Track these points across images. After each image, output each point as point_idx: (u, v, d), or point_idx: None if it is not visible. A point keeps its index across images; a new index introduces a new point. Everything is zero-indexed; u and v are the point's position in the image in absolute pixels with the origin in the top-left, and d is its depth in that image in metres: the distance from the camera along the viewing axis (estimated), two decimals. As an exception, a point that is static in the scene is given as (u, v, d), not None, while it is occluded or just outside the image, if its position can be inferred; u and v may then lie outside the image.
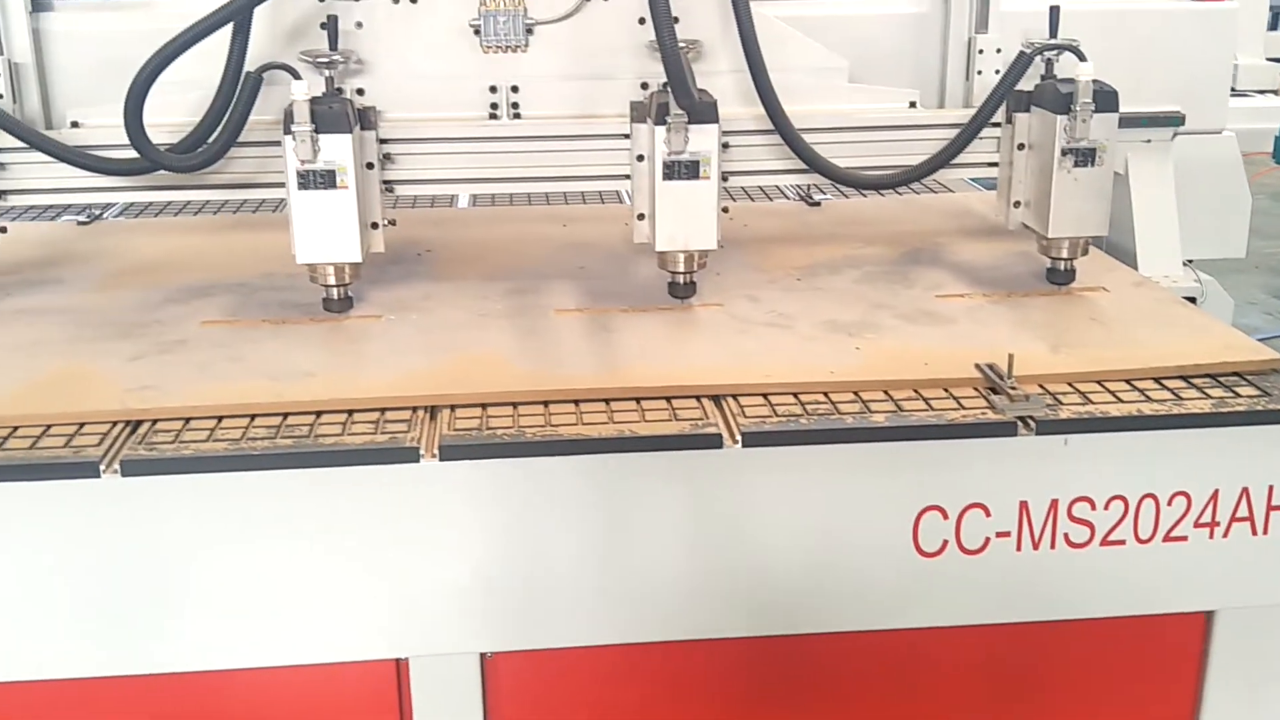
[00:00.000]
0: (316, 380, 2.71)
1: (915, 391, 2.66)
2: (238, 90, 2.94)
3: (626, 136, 3.18)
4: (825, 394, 2.65)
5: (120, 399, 2.60)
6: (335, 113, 2.87)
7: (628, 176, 3.23)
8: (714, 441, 2.48)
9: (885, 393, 2.66)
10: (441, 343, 2.94)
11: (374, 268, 3.48)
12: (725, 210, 3.10)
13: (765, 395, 2.65)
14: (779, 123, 3.19)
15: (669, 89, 2.91)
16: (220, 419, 2.55)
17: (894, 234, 3.83)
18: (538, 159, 3.24)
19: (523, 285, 3.36)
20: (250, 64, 2.95)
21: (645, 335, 3.00)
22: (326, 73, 2.98)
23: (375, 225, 3.11)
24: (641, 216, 3.14)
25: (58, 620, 2.45)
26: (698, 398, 2.64)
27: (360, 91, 3.17)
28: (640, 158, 3.11)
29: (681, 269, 3.12)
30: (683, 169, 2.96)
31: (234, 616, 2.48)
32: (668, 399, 2.63)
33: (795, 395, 2.64)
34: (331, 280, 3.05)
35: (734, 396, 2.64)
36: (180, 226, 4.01)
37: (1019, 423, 2.55)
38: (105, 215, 4.13)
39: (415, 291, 3.32)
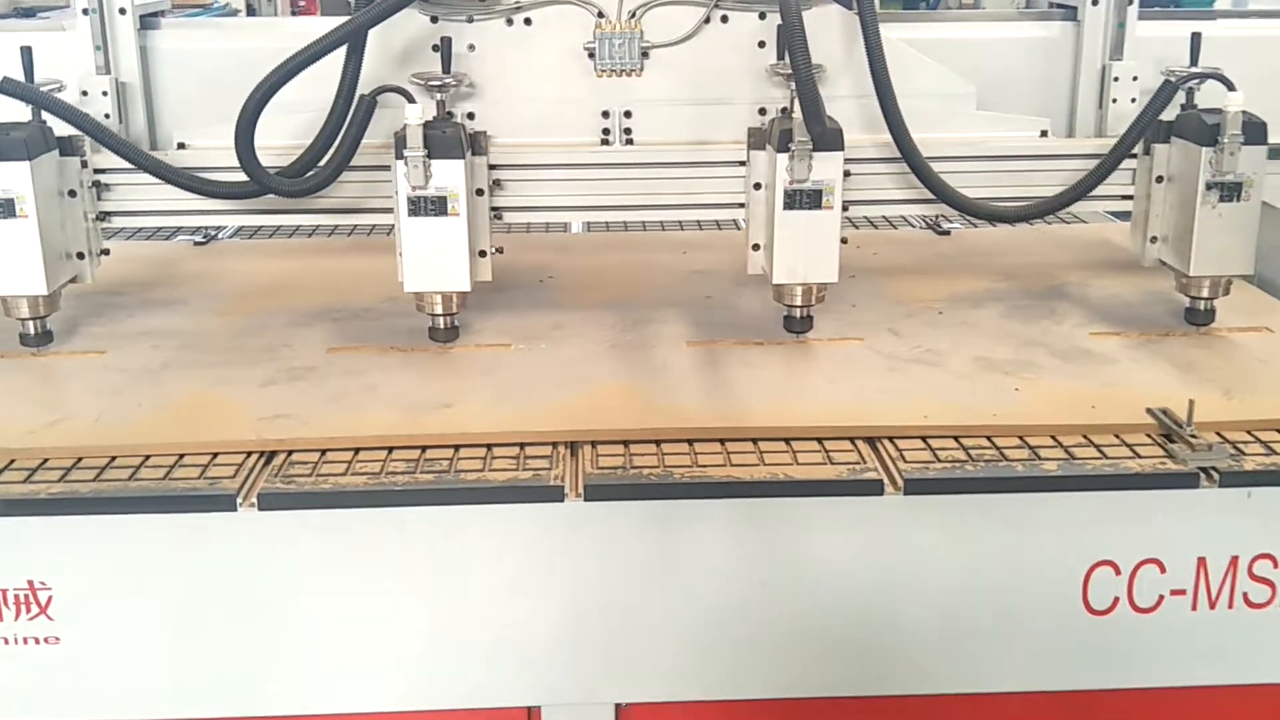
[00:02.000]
0: (454, 412, 2.61)
1: (1085, 438, 2.50)
2: (350, 113, 2.86)
3: (743, 164, 3.06)
4: (989, 438, 2.50)
5: (255, 428, 2.52)
6: (449, 138, 2.78)
7: (743, 205, 3.11)
8: (874, 488, 2.34)
9: (1053, 438, 2.50)
10: (575, 374, 2.83)
11: (498, 293, 3.40)
12: (844, 240, 2.97)
13: (924, 438, 2.50)
14: (906, 150, 3.04)
15: (792, 114, 2.79)
16: (358, 450, 2.46)
17: (1032, 266, 3.66)
18: (650, 186, 3.13)
19: (649, 315, 3.25)
20: (360, 87, 2.87)
21: (787, 371, 2.87)
22: (438, 96, 2.89)
23: (484, 253, 3.02)
24: (757, 247, 3.01)
25: (191, 657, 2.37)
26: (852, 439, 2.50)
27: (471, 115, 3.08)
28: (758, 186, 2.98)
29: (799, 302, 2.99)
30: (805, 198, 2.84)
31: (366, 657, 2.39)
32: (819, 440, 2.49)
33: (957, 439, 2.50)
34: (439, 309, 2.96)
35: (891, 439, 2.50)
36: (296, 249, 3.95)
37: (1201, 474, 2.38)
38: (220, 236, 4.10)
39: (542, 320, 3.22)
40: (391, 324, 3.13)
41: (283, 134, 2.94)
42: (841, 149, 2.83)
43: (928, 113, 3.13)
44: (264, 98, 2.70)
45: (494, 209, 3.05)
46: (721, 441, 2.49)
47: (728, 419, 2.57)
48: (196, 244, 3.97)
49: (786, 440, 2.49)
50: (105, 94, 3.06)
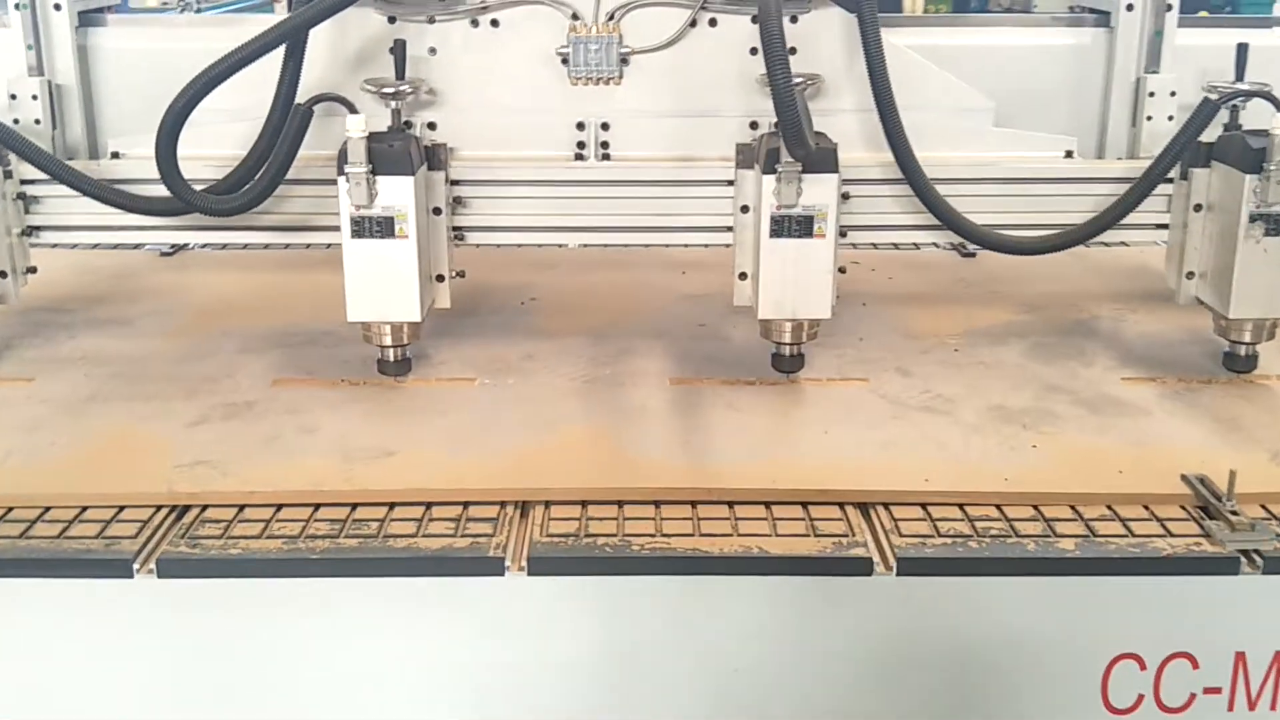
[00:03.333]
0: (395, 462, 2.33)
1: (1109, 509, 2.18)
2: (286, 124, 2.57)
3: (731, 183, 2.74)
4: (998, 506, 2.19)
5: (168, 478, 2.25)
6: (395, 152, 2.49)
7: (730, 228, 2.81)
8: (862, 567, 2.03)
9: (1072, 508, 2.18)
10: (540, 417, 2.54)
11: (472, 318, 3.12)
12: (842, 270, 2.65)
13: (924, 505, 2.19)
14: (909, 171, 2.72)
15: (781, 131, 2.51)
16: (280, 507, 2.18)
17: (1061, 296, 3.33)
18: (629, 206, 2.83)
19: (635, 345, 2.95)
20: (308, 92, 2.58)
21: (777, 417, 2.56)
22: (393, 104, 2.61)
23: (441, 278, 2.73)
24: (744, 276, 2.71)
25: (82, 738, 2.10)
26: (841, 505, 2.19)
27: (431, 126, 2.80)
28: (745, 208, 2.67)
29: (788, 339, 2.68)
30: (794, 225, 2.53)
31: (284, 740, 2.11)
32: (804, 505, 2.19)
33: (961, 507, 2.18)
34: (387, 340, 2.68)
35: (886, 505, 2.19)
36: (270, 261, 3.66)
37: (1242, 558, 2.06)
38: (191, 246, 3.83)
39: (515, 349, 2.93)
40: (348, 352, 2.85)
41: (229, 143, 2.67)
42: (836, 171, 2.52)
43: (938, 129, 2.81)
44: (187, 106, 2.42)
45: (455, 229, 2.76)
46: (693, 504, 2.19)
47: (702, 476, 2.27)
48: (163, 254, 3.70)
49: (766, 504, 2.19)
50: (35, 98, 2.80)
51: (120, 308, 3.24)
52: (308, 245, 3.33)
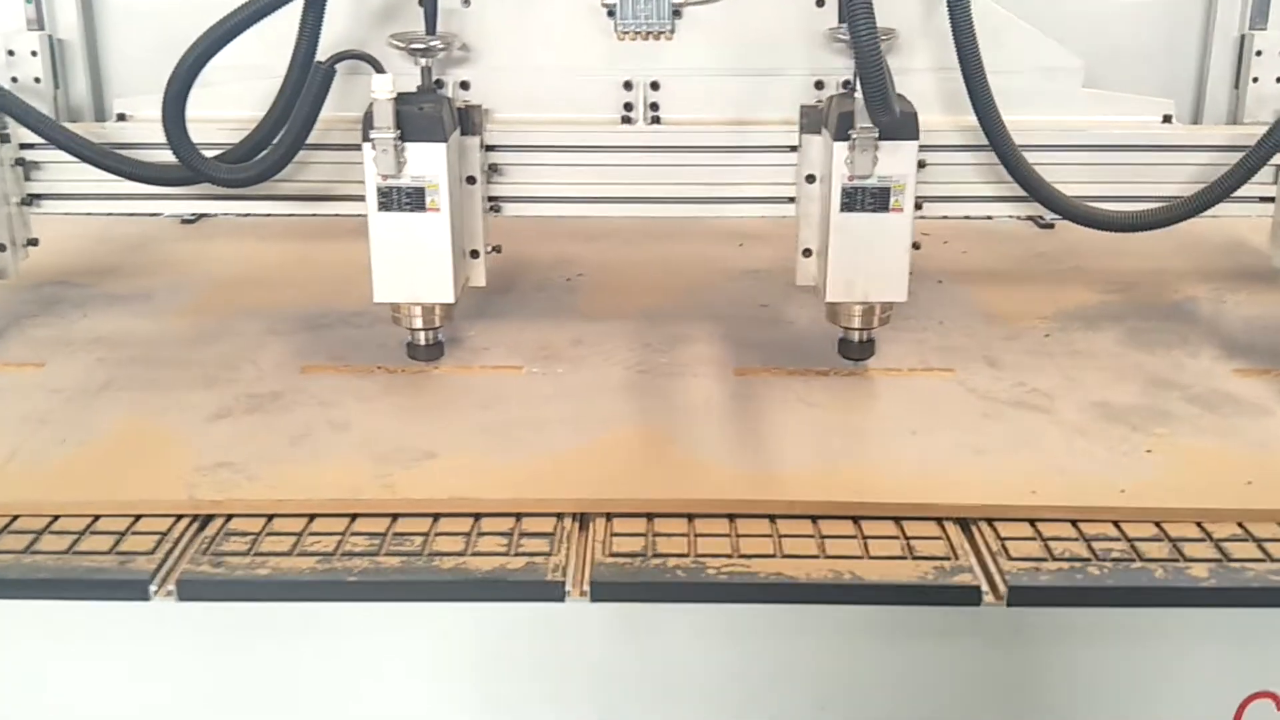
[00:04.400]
0: (438, 465, 2.10)
1: (1241, 527, 1.93)
2: (306, 84, 2.33)
3: (794, 149, 2.50)
4: (1115, 523, 1.94)
5: (188, 484, 2.03)
6: (427, 115, 2.25)
7: (793, 200, 2.56)
8: (969, 596, 1.79)
9: (1199, 525, 1.94)
10: (594, 412, 2.30)
11: (513, 296, 2.89)
12: (916, 246, 2.41)
13: (1032, 522, 1.95)
14: (995, 137, 2.48)
15: (856, 92, 2.25)
16: (312, 517, 1.96)
17: (1150, 274, 3.06)
18: (681, 174, 2.60)
19: (692, 329, 2.71)
20: (330, 49, 2.34)
21: (858, 414, 2.32)
22: (422, 62, 2.37)
23: (475, 254, 2.50)
24: (809, 252, 2.47)
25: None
26: (939, 520, 1.95)
27: (464, 85, 2.56)
28: (811, 178, 2.43)
29: (857, 324, 2.44)
30: (868, 198, 2.29)
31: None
32: (897, 520, 1.95)
33: (1074, 524, 1.94)
34: (418, 323, 2.45)
35: (990, 521, 1.95)
36: (299, 229, 3.39)
37: (1400, 585, 1.81)
38: (215, 212, 3.60)
39: (562, 332, 2.69)
40: (381, 334, 2.61)
41: (245, 104, 2.43)
42: (916, 138, 2.27)
43: (1024, 91, 2.57)
44: (196, 64, 2.19)
45: (490, 199, 2.53)
46: (771, 519, 1.95)
47: (779, 486, 2.03)
48: (184, 221, 3.47)
49: (855, 520, 1.95)
50: (35, 54, 2.56)
51: (138, 281, 3.02)
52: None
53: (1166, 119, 2.74)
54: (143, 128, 2.45)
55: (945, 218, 3.27)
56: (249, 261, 3.19)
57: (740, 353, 2.58)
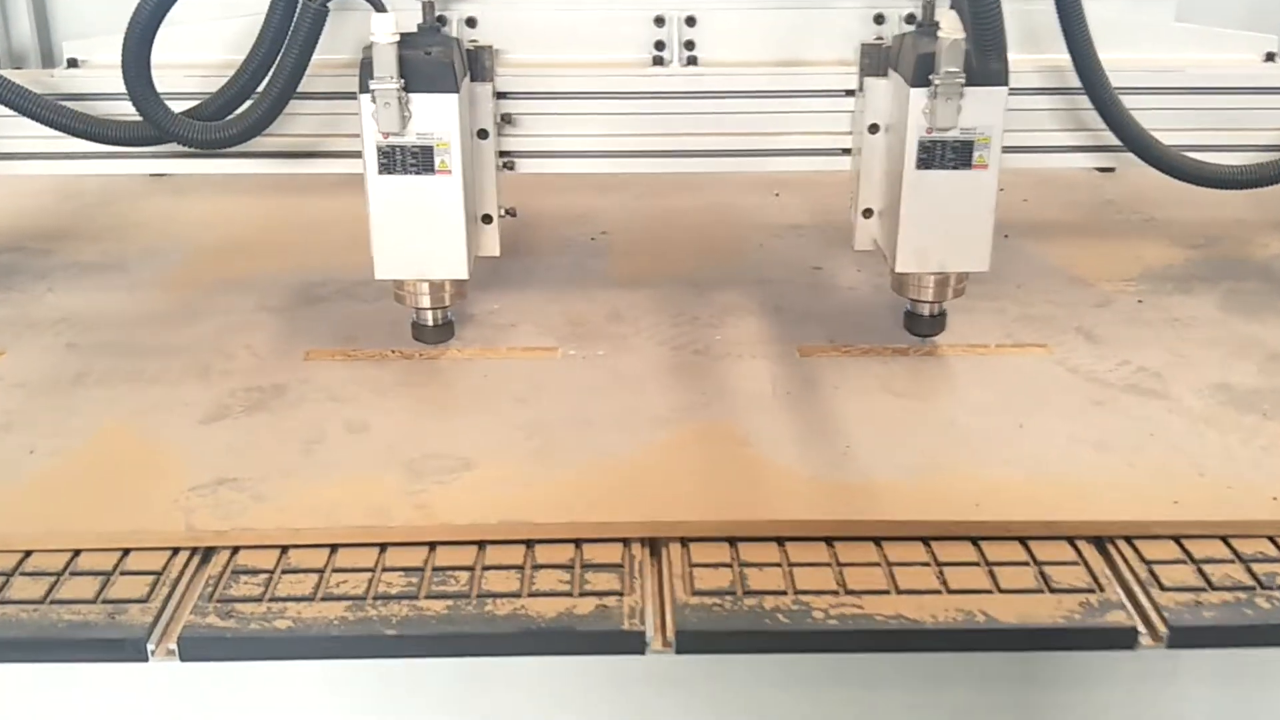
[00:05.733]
0: (477, 478, 1.79)
1: None
2: (293, 26, 1.98)
3: (851, 94, 2.22)
4: (1273, 539, 1.67)
5: (185, 507, 1.71)
6: (435, 62, 1.92)
7: (848, 152, 2.26)
8: (1125, 639, 1.51)
9: (1373, 540, 1.67)
10: (648, 405, 2.00)
11: (534, 260, 2.58)
12: None
13: (1178, 540, 1.67)
14: (1090, 80, 2.18)
15: (927, 24, 1.95)
16: (335, 548, 1.65)
17: (1229, 227, 2.80)
18: (720, 123, 2.27)
19: (741, 298, 2.41)
20: None
21: (953, 403, 2.03)
22: None
23: (488, 218, 2.18)
24: (870, 213, 2.17)
25: None
26: (1072, 540, 1.67)
27: (470, 23, 2.22)
28: (874, 128, 2.14)
29: (929, 297, 2.16)
30: (949, 153, 2.00)
31: None
32: (1023, 541, 1.66)
33: (1225, 541, 1.67)
34: (425, 302, 2.14)
35: (1129, 540, 1.67)
36: (284, 183, 3.03)
37: None
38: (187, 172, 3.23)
39: (596, 304, 2.39)
40: (393, 308, 2.25)
41: (219, 46, 2.08)
42: (1006, 83, 1.96)
43: (1108, 25, 2.25)
44: (160, 5, 1.83)
45: (503, 155, 2.20)
46: (877, 542, 1.66)
47: (879, 498, 1.74)
48: (153, 175, 3.10)
49: (974, 541, 1.66)
50: (-30, -10, 2.20)
51: (108, 247, 2.69)
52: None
53: (1270, 57, 2.43)
54: (99, 75, 2.10)
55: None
56: (231, 220, 2.86)
57: (800, 327, 2.29)
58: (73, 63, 2.19)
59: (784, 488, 1.76)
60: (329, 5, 1.97)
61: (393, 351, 2.19)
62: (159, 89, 2.05)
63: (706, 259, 2.63)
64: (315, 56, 2.05)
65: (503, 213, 2.23)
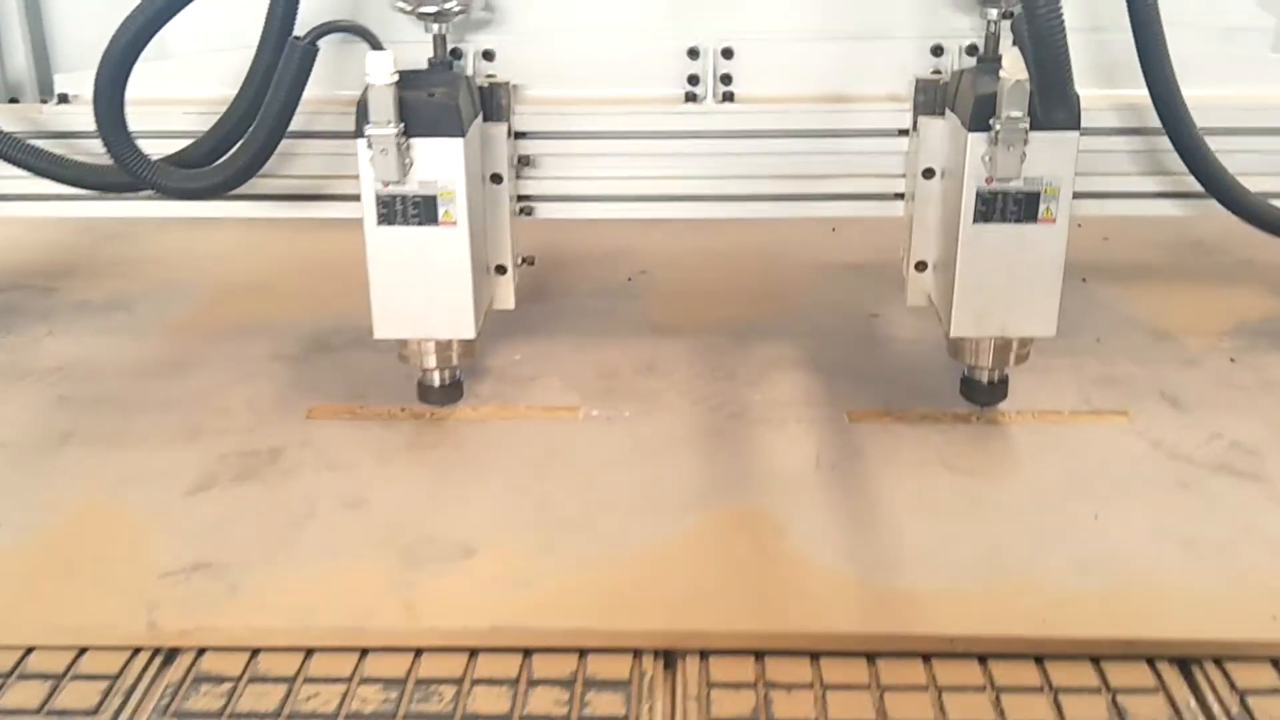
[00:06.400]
0: (475, 569, 1.61)
1: None
2: (280, 65, 1.79)
3: (904, 133, 1.99)
4: (1392, 667, 1.43)
5: (149, 600, 1.54)
6: (439, 105, 1.74)
7: (901, 197, 2.03)
8: (1220, 799, 1.29)
9: None
10: (676, 483, 1.80)
11: (565, 301, 2.39)
12: None
13: (1276, 662, 1.44)
14: (1171, 119, 1.93)
15: (989, 58, 1.73)
16: (310, 652, 1.48)
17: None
18: (759, 165, 2.04)
19: (789, 351, 2.21)
20: (316, 19, 1.80)
21: (1019, 484, 1.80)
22: (435, 28, 1.86)
23: (503, 270, 1.99)
24: (923, 266, 1.95)
25: None
26: (1150, 661, 1.44)
27: (488, 56, 2.02)
28: (929, 173, 1.92)
29: (987, 363, 1.92)
30: (1011, 204, 1.77)
31: None
32: (1095, 662, 1.44)
33: (1335, 667, 1.43)
34: (431, 362, 1.95)
35: (1217, 662, 1.44)
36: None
37: None
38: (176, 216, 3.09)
39: (628, 354, 2.20)
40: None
41: (213, 81, 1.92)
42: (1078, 127, 1.73)
43: (1198, 57, 2.00)
44: (136, 40, 1.68)
45: (520, 199, 2.01)
46: (926, 659, 1.45)
47: (933, 611, 1.51)
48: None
49: (1038, 661, 1.44)
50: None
51: (117, 285, 2.55)
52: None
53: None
54: (88, 112, 1.94)
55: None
56: (253, 256, 2.71)
57: (852, 387, 2.07)
58: (64, 98, 2.05)
59: (822, 591, 1.55)
60: (318, 44, 1.79)
61: (402, 409, 2.02)
62: (154, 125, 1.90)
63: (753, 303, 2.42)
64: (321, 92, 1.88)
65: (520, 261, 2.04)
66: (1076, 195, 2.03)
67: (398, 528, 1.69)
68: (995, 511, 1.72)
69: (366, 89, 1.70)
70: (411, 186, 1.76)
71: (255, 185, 1.93)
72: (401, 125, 1.71)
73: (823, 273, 2.57)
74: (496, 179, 1.93)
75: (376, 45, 1.71)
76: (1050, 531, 1.66)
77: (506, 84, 1.91)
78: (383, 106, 1.69)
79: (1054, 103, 1.63)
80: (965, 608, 1.51)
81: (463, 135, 1.75)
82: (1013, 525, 1.68)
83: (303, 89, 1.78)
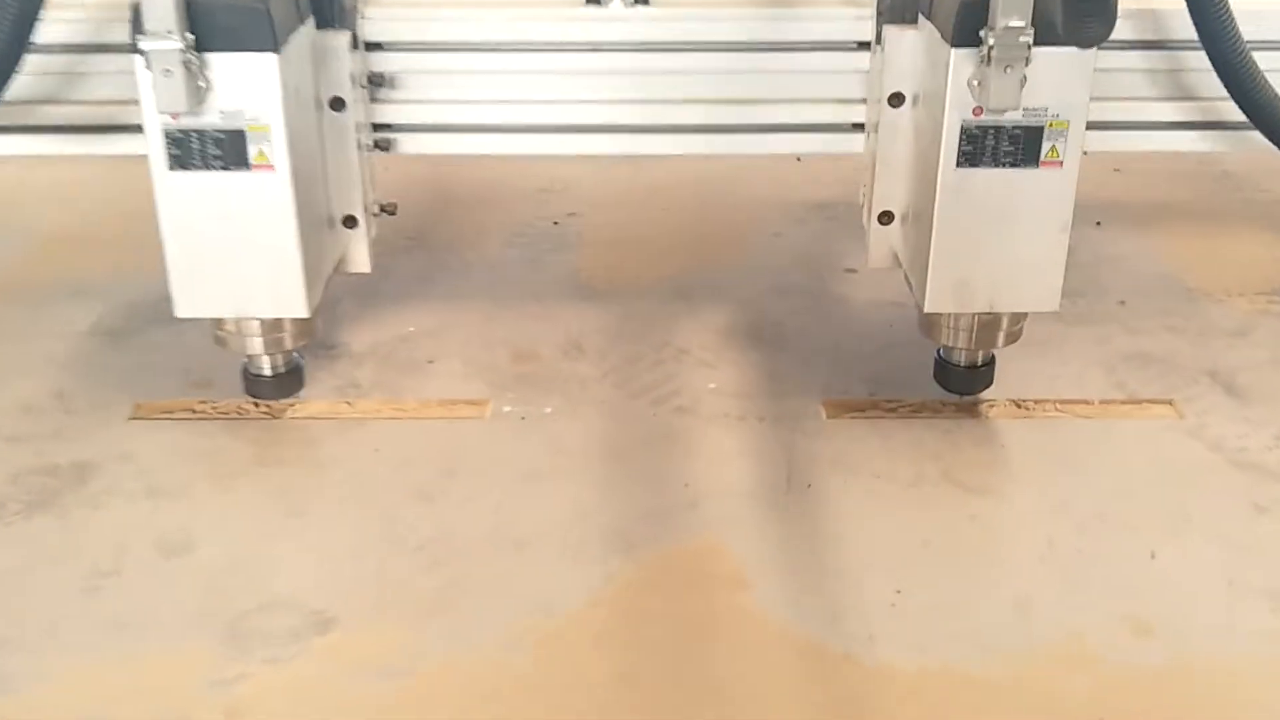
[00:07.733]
0: (330, 652, 1.18)
1: None
2: None
3: (865, 47, 1.59)
4: None
5: None
6: (242, 8, 1.30)
7: (861, 128, 1.61)
8: None
9: None
10: (608, 513, 1.38)
11: (478, 252, 1.96)
12: None
13: None
14: (1212, 30, 1.51)
15: None
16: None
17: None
18: (680, 87, 1.62)
19: (747, 317, 1.80)
20: None
21: (1048, 506, 1.40)
22: None
23: (351, 221, 1.55)
24: (889, 217, 1.55)
25: None
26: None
27: None
28: (897, 99, 1.52)
29: (967, 344, 1.53)
30: (1006, 143, 1.36)
31: None
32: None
33: None
34: (256, 347, 1.51)
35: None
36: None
37: None
38: None
39: (552, 325, 1.77)
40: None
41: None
42: (1105, 36, 1.29)
43: None
44: None
45: (377, 129, 1.55)
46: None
47: (938, 708, 1.12)
48: None
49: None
50: None
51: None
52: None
53: None
54: None
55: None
56: (92, 196, 2.24)
57: (828, 366, 1.67)
58: None
59: (785, 679, 1.14)
60: None
61: (255, 404, 1.57)
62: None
63: (703, 254, 2.00)
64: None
65: (377, 210, 1.60)
66: (1102, 126, 1.63)
67: (228, 589, 1.26)
68: (1016, 549, 1.32)
69: None
70: (210, 119, 1.31)
71: (37, 114, 1.46)
72: (191, 36, 1.25)
73: (787, 215, 2.15)
74: (338, 104, 1.48)
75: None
76: (1095, 579, 1.27)
77: (349, -18, 1.46)
78: (161, 10, 1.22)
79: (1086, 6, 1.20)
80: (986, 697, 1.11)
81: (277, 49, 1.29)
82: (1039, 571, 1.29)
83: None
